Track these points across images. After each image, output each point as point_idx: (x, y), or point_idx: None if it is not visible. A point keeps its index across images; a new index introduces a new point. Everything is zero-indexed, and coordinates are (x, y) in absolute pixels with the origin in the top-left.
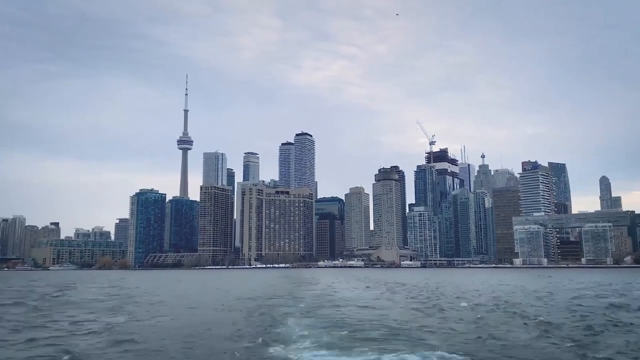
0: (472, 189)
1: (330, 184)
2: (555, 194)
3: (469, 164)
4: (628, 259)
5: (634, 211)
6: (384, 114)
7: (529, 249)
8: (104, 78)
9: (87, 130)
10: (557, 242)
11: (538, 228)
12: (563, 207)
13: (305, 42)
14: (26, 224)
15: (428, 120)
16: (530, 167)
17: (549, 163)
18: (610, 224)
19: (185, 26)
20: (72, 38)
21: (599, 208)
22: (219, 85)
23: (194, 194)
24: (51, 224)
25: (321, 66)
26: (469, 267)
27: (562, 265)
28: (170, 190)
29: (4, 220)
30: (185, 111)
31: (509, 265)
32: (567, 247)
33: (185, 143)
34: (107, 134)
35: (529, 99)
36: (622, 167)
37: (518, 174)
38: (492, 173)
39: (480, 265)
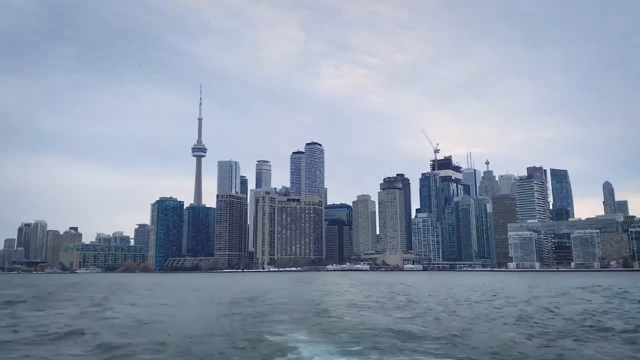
0: (477, 194)
1: (342, 188)
2: (557, 199)
3: (474, 170)
4: (613, 263)
5: (631, 216)
6: (398, 120)
7: (522, 253)
8: (131, 87)
9: (112, 136)
10: (553, 247)
11: (531, 234)
12: (565, 212)
13: (326, 53)
14: (47, 229)
15: (443, 125)
16: (527, 177)
17: (551, 170)
18: (598, 230)
19: (214, 39)
20: (103, 50)
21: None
22: (239, 93)
23: (207, 199)
24: (70, 228)
25: (340, 75)
26: (467, 271)
27: (552, 269)
28: (185, 193)
29: (25, 225)
30: (200, 120)
31: (504, 269)
32: (560, 252)
33: (199, 150)
34: (130, 140)
35: (545, 104)
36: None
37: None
38: (497, 179)
39: (477, 269)
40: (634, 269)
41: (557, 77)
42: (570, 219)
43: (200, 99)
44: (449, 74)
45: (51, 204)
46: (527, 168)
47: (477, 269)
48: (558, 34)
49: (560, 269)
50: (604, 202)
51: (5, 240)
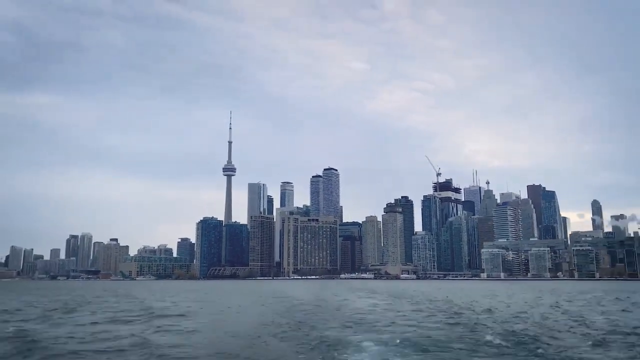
0: (478, 211)
1: (374, 199)
2: (545, 217)
3: (479, 187)
4: (560, 274)
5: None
6: (437, 137)
7: (491, 266)
8: (200, 112)
9: (160, 152)
10: (524, 260)
11: (498, 251)
12: (552, 229)
13: (385, 81)
14: (93, 241)
15: (479, 141)
16: (502, 204)
17: (543, 190)
18: (548, 248)
19: (285, 71)
20: (183, 81)
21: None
22: (295, 115)
23: (237, 215)
24: (111, 239)
25: (393, 99)
26: (452, 279)
27: (510, 279)
28: (215, 205)
29: (73, 236)
30: (229, 142)
31: (476, 278)
32: (523, 265)
33: (229, 170)
34: (173, 156)
35: (582, 124)
36: None
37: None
38: (497, 197)
39: (459, 278)
40: (576, 278)
41: (600, 100)
42: (531, 239)
43: (230, 124)
44: (494, 97)
45: (92, 216)
46: (527, 186)
47: (462, 278)
48: (604, 61)
49: (518, 279)
50: (592, 218)
51: (51, 250)
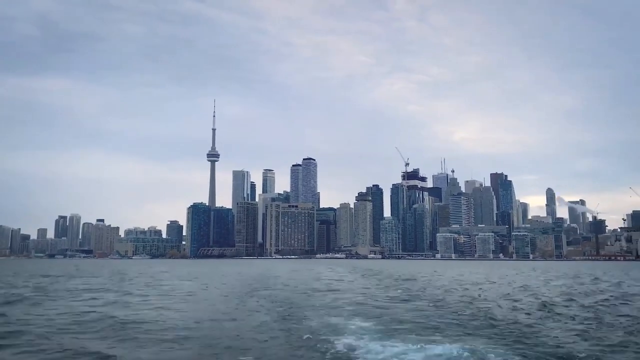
0: (444, 198)
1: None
2: (502, 204)
3: (447, 174)
4: (501, 255)
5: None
6: (427, 124)
7: (444, 248)
8: (206, 99)
9: (159, 135)
10: (473, 243)
11: (451, 235)
12: (507, 215)
13: (387, 74)
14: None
15: (468, 129)
16: (457, 194)
17: (503, 178)
18: (493, 234)
19: (294, 63)
20: (193, 71)
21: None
22: (295, 102)
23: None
24: (97, 220)
25: (392, 90)
26: (410, 259)
27: (463, 258)
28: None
29: (61, 217)
30: (213, 130)
31: (432, 258)
32: (473, 247)
33: (213, 156)
34: (168, 139)
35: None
36: None
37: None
38: (461, 184)
39: (417, 258)
40: (502, 258)
41: (584, 93)
42: (479, 225)
43: (214, 112)
44: (487, 90)
45: (78, 197)
46: (491, 174)
47: (422, 258)
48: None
49: (466, 259)
50: (546, 204)
51: (38, 230)
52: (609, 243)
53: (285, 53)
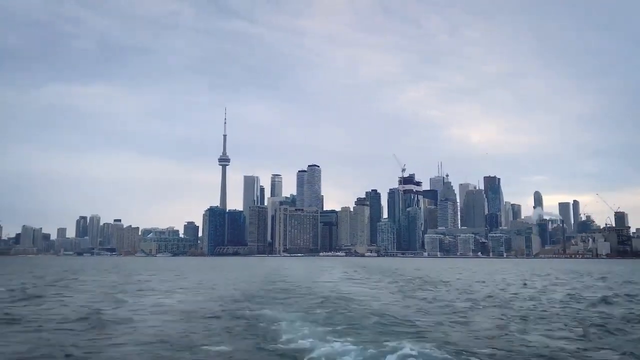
0: (438, 200)
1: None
2: (491, 206)
3: (443, 177)
4: (479, 253)
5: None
6: (444, 128)
7: (431, 247)
8: (234, 104)
9: (168, 134)
10: (457, 243)
11: (437, 236)
12: (495, 217)
13: (413, 81)
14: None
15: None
16: (444, 199)
17: (491, 182)
18: (473, 235)
19: (324, 71)
20: (228, 80)
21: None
22: (319, 108)
23: (232, 202)
24: (115, 220)
25: (414, 97)
26: (401, 257)
27: (447, 256)
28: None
29: (82, 217)
30: (224, 136)
31: (420, 256)
32: (456, 246)
33: (224, 161)
34: (180, 140)
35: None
36: None
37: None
38: (456, 188)
39: (411, 256)
40: (480, 256)
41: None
42: (462, 227)
43: (225, 119)
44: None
45: (96, 198)
46: (484, 177)
47: (408, 256)
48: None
49: (449, 256)
50: (533, 206)
51: (58, 229)
52: (573, 243)
53: (317, 63)
